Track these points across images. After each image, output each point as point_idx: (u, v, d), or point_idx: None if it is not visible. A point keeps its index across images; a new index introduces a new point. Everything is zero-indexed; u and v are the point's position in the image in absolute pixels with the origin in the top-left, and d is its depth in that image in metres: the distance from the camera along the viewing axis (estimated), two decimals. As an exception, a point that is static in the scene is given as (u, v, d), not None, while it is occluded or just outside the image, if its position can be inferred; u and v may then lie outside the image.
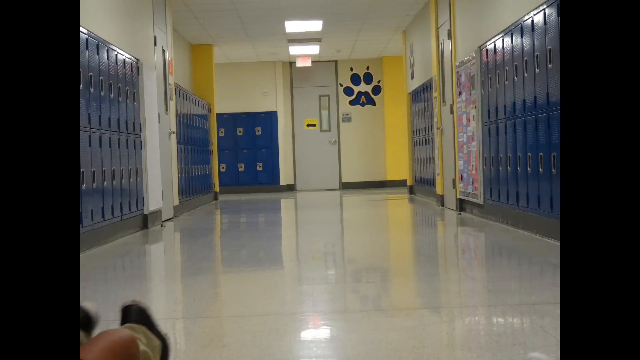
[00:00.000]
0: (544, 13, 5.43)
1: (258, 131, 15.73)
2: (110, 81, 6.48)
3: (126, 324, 2.52)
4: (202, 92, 12.81)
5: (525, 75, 5.93)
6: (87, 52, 5.83)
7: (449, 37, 8.72)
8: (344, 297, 3.62)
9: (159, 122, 8.40)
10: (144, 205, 7.50)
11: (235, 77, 15.62)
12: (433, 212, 8.76)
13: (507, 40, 6.44)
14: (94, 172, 5.86)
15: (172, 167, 9.15)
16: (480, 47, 7.36)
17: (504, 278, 3.98)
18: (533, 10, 5.72)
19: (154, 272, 4.74)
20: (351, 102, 15.99)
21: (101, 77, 6.19)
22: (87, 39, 5.81)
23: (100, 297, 3.73)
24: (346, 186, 15.89)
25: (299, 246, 6.34)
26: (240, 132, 15.71)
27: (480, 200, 7.47)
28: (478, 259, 4.90)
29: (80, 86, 5.62)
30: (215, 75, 13.55)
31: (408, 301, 3.60)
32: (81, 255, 5.48)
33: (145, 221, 7.53)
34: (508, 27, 6.41)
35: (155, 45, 8.45)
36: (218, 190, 13.52)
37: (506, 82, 6.50)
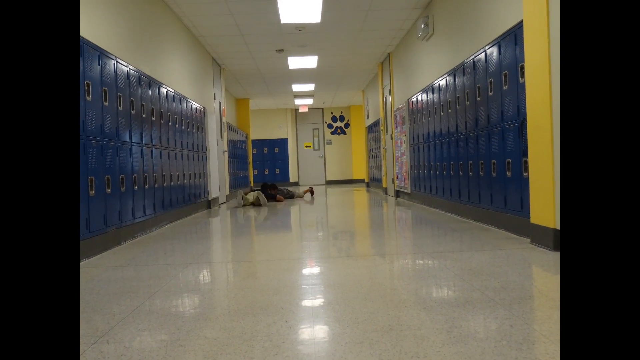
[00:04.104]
0: (446, 79, 5.46)
1: (276, 150, 15.67)
2: (188, 120, 6.46)
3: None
4: (243, 127, 12.74)
5: (435, 116, 5.96)
6: (174, 103, 5.80)
7: (390, 93, 8.74)
8: (327, 248, 3.63)
9: (217, 145, 8.36)
10: (208, 194, 7.47)
11: (262, 117, 15.55)
12: (380, 197, 8.76)
13: (424, 95, 6.47)
14: (178, 175, 5.83)
15: (225, 171, 9.11)
16: (408, 99, 7.38)
17: (422, 237, 4.00)
18: (438, 78, 5.74)
19: (214, 234, 4.73)
20: (332, 133, 15.93)
21: (182, 118, 6.16)
22: (174, 96, 5.79)
23: (183, 248, 3.73)
24: (329, 182, 15.83)
25: (302, 211, 6.34)
26: (265, 150, 15.64)
27: (409, 191, 7.49)
28: (407, 225, 4.91)
29: (175, 125, 5.60)
30: (250, 116, 13.47)
31: (365, 250, 3.62)
32: (174, 223, 5.46)
33: (209, 204, 7.51)
34: (424, 87, 6.44)
35: (214, 99, 8.42)
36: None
37: (423, 120, 6.53)
